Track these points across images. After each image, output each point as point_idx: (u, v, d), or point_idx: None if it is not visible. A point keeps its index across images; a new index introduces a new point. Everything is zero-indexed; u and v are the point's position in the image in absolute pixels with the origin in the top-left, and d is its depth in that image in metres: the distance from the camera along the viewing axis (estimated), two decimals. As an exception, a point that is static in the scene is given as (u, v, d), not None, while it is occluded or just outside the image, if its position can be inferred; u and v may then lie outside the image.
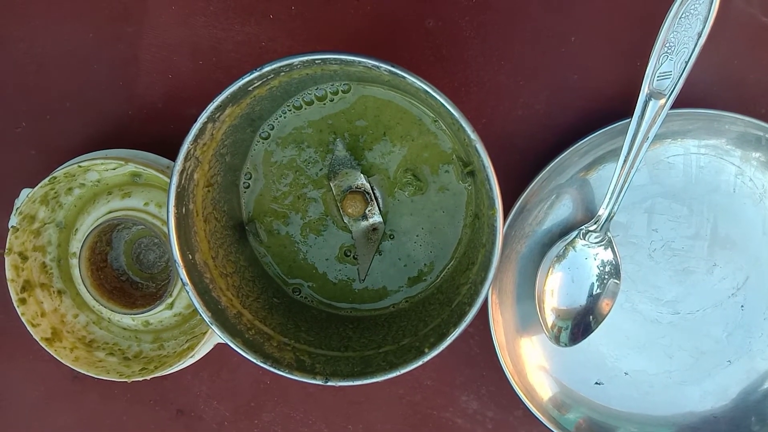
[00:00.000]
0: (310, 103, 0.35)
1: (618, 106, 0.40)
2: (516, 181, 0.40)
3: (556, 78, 0.40)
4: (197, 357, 0.41)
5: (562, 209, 0.41)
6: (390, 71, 0.27)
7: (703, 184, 0.40)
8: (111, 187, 0.42)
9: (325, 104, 0.35)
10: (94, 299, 0.41)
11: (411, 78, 0.27)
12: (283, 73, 0.29)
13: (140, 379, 0.41)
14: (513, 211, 0.39)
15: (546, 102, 0.41)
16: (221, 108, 0.29)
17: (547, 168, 0.38)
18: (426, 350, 0.29)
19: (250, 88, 0.29)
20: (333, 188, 0.36)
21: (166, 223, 0.29)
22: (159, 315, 0.43)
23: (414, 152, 0.35)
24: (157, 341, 0.44)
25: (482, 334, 0.43)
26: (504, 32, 0.40)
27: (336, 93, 0.35)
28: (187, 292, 0.29)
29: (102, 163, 0.40)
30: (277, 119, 0.35)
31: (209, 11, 0.42)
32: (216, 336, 0.40)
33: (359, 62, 0.27)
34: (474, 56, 0.41)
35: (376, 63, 0.27)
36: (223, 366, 0.45)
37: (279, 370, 0.30)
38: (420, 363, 0.29)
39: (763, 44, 0.39)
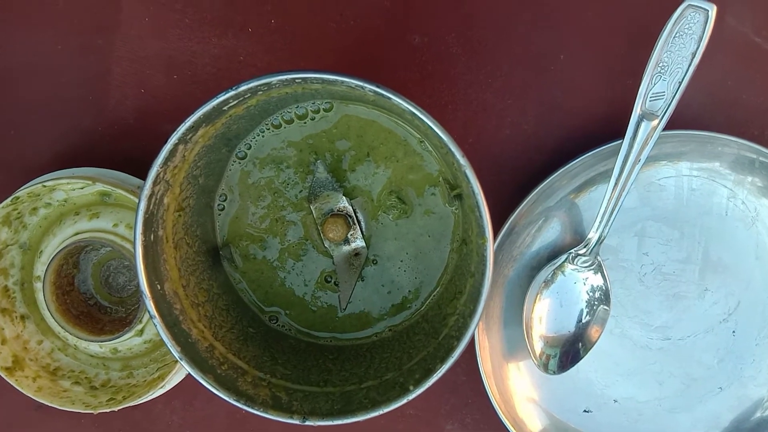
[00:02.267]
0: (290, 122, 0.33)
1: (608, 127, 0.39)
2: (504, 203, 0.39)
3: (544, 97, 0.39)
4: (168, 387, 0.39)
5: (551, 232, 0.39)
6: (375, 92, 0.25)
7: (695, 207, 0.39)
8: (78, 207, 0.40)
9: (305, 123, 0.33)
10: (59, 325, 0.39)
11: (397, 99, 0.25)
12: (261, 92, 0.27)
13: (107, 410, 0.39)
14: (501, 234, 0.37)
15: (534, 121, 0.39)
16: (194, 129, 0.27)
17: (536, 190, 0.37)
18: (411, 387, 0.28)
19: (225, 108, 0.27)
20: (313, 211, 0.34)
21: (134, 250, 0.27)
22: (128, 342, 0.40)
23: (399, 174, 0.34)
24: (126, 369, 0.41)
25: (468, 361, 0.42)
26: (492, 49, 0.39)
27: (317, 112, 0.33)
28: (155, 326, 0.27)
29: (68, 183, 0.38)
30: (254, 138, 0.34)
31: (184, 23, 0.40)
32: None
33: (342, 82, 0.25)
34: (461, 73, 0.39)
35: (361, 83, 0.25)
36: (196, 395, 0.43)
37: (253, 408, 0.28)
38: (405, 401, 0.27)
39: (755, 64, 0.39)
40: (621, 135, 0.36)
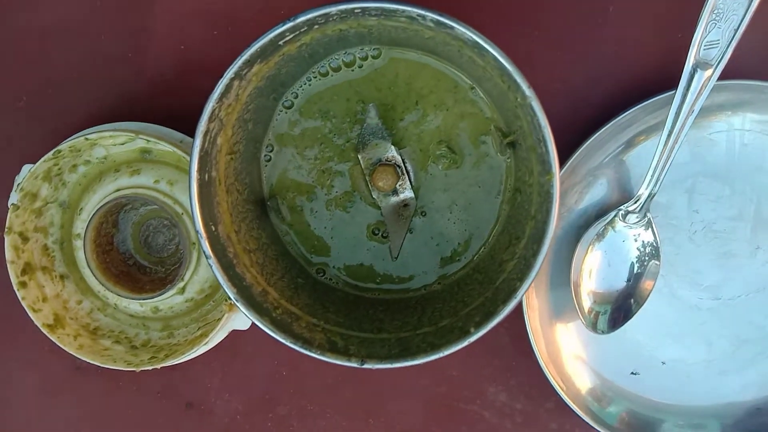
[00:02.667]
0: (337, 69, 0.33)
1: (658, 80, 0.38)
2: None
3: (593, 50, 0.38)
4: (210, 345, 0.39)
5: (599, 189, 0.38)
6: (436, 21, 0.25)
7: (747, 163, 0.38)
8: (119, 164, 0.40)
9: (353, 70, 0.33)
10: (101, 283, 0.39)
11: (460, 28, 0.24)
12: (317, 26, 0.26)
13: (149, 368, 0.38)
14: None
15: (584, 75, 0.38)
16: (249, 64, 0.26)
17: (585, 145, 0.36)
18: (471, 330, 0.27)
19: (280, 43, 0.26)
20: (361, 161, 0.33)
21: (188, 189, 0.26)
22: (169, 300, 0.40)
23: (449, 122, 0.33)
24: (166, 329, 0.41)
25: (512, 322, 0.41)
26: (538, 3, 0.38)
27: (365, 59, 0.33)
28: (210, 266, 0.27)
29: (111, 136, 0.37)
30: (301, 87, 0.33)
31: (226, -18, 0.39)
32: (230, 323, 0.38)
33: (402, 11, 0.25)
34: (507, 26, 0.38)
35: (422, 12, 0.24)
36: (236, 356, 0.43)
37: (311, 351, 0.27)
38: (466, 343, 0.27)
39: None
40: (671, 88, 0.35)
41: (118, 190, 0.39)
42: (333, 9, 0.25)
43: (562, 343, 0.39)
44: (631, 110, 0.36)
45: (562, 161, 0.36)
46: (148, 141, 0.37)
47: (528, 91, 0.25)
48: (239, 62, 0.26)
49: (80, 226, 0.40)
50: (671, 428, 0.39)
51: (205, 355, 0.42)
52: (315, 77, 0.33)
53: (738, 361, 0.40)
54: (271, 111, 0.33)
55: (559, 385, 0.38)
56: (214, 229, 0.28)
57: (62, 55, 0.41)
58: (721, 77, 0.35)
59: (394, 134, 0.33)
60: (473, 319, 0.28)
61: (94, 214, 0.38)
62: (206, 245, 0.27)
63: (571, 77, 0.38)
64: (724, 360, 0.40)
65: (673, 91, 0.35)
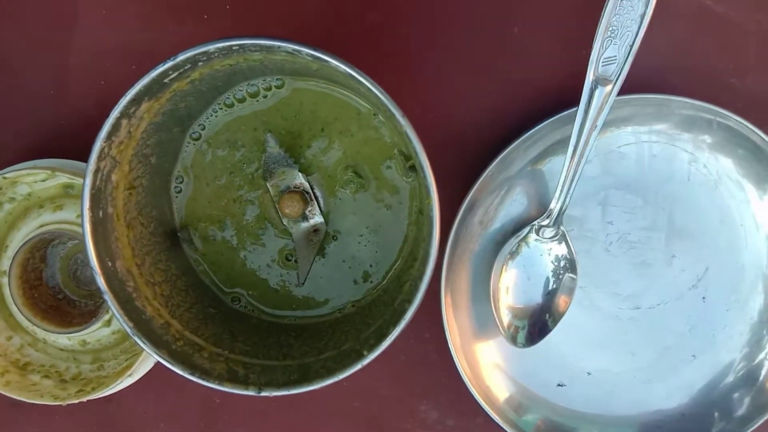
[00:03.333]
0: (242, 101, 0.33)
1: (566, 96, 0.39)
2: (464, 178, 0.39)
3: (501, 70, 0.39)
4: (137, 376, 0.39)
5: (514, 205, 0.39)
6: (312, 56, 0.25)
7: (657, 173, 0.39)
8: (43, 200, 0.40)
9: (258, 101, 0.34)
10: (27, 319, 0.39)
11: (334, 62, 0.25)
12: (201, 63, 0.27)
13: (76, 401, 0.39)
14: (462, 208, 0.37)
15: (492, 95, 0.39)
16: (136, 102, 0.27)
17: (495, 161, 0.37)
18: (365, 353, 0.27)
19: (166, 80, 0.27)
20: (270, 189, 0.34)
21: (82, 227, 0.27)
22: (96, 333, 0.40)
23: (354, 148, 0.34)
24: (96, 362, 0.41)
25: (439, 339, 0.41)
26: (446, 26, 0.39)
27: (269, 89, 0.33)
28: (106, 301, 0.27)
29: (29, 174, 0.38)
30: (207, 118, 0.34)
31: (142, 13, 0.40)
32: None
33: (279, 47, 0.25)
34: (417, 50, 0.39)
35: (297, 47, 0.25)
36: (169, 385, 0.43)
37: (208, 381, 0.28)
38: (359, 366, 0.27)
39: (708, 26, 0.39)
40: (578, 103, 0.36)
41: (42, 225, 0.39)
42: (211, 47, 0.26)
43: (484, 357, 0.40)
44: (537, 126, 0.37)
45: (474, 179, 0.37)
46: (70, 177, 0.38)
47: (402, 120, 0.25)
48: (124, 102, 0.26)
49: (6, 263, 0.40)
50: (586, 438, 0.39)
51: (138, 385, 0.42)
52: (221, 108, 0.34)
53: (661, 369, 0.40)
54: (178, 143, 0.34)
55: (483, 400, 0.38)
56: (110, 264, 0.28)
57: (-17, 93, 0.41)
58: (624, 92, 0.36)
59: (301, 162, 0.34)
60: (368, 342, 0.28)
61: (18, 251, 0.38)
62: (101, 281, 0.27)
63: (480, 97, 0.39)
64: (648, 369, 0.41)
65: (577, 108, 0.36)
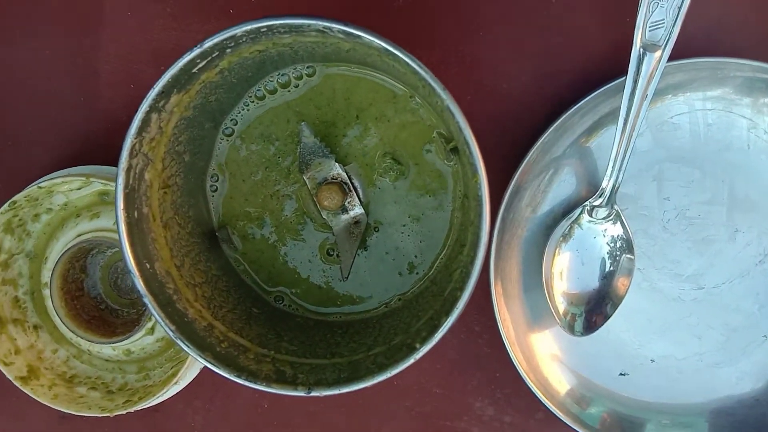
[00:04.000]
0: (273, 92, 0.32)
1: (611, 68, 0.37)
2: (509, 161, 0.37)
3: (540, 44, 0.37)
4: (183, 384, 0.38)
5: (563, 186, 0.37)
6: (344, 32, 0.24)
7: (714, 143, 0.37)
8: (79, 209, 0.40)
9: (289, 91, 0.32)
10: (70, 330, 0.39)
11: (368, 37, 0.24)
12: (229, 50, 0.26)
13: (124, 412, 0.38)
14: (508, 192, 0.35)
15: (532, 72, 0.37)
16: (165, 95, 0.26)
17: (540, 141, 0.35)
18: (417, 346, 0.26)
19: (194, 70, 0.26)
20: (307, 181, 0.33)
21: (117, 228, 0.26)
22: (140, 342, 0.40)
23: (391, 134, 0.32)
24: (142, 371, 0.41)
25: (491, 331, 0.40)
26: (478, 2, 0.37)
27: (300, 78, 0.32)
28: (146, 305, 0.26)
29: (63, 182, 0.37)
30: (239, 113, 0.33)
31: (167, 13, 0.39)
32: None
33: (309, 26, 0.24)
34: (449, 31, 0.38)
35: (328, 24, 0.24)
36: (216, 392, 0.42)
37: (256, 383, 0.26)
38: (412, 361, 0.26)
39: (762, -16, 0.36)
40: (625, 72, 0.34)
41: (79, 235, 0.39)
42: (238, 30, 0.24)
43: (542, 350, 0.38)
44: (584, 99, 0.35)
45: (518, 161, 0.35)
46: (105, 184, 0.37)
47: (443, 94, 0.24)
48: (152, 95, 0.25)
49: (47, 274, 0.40)
50: (655, 428, 0.37)
51: (186, 394, 0.42)
52: (252, 102, 0.33)
53: (730, 352, 0.38)
54: (211, 140, 0.33)
55: (542, 394, 0.36)
56: (149, 266, 0.27)
57: (16, 105, 0.41)
58: (673, 57, 0.33)
59: (337, 151, 0.33)
60: (420, 335, 0.27)
61: (57, 262, 0.38)
62: (140, 283, 0.26)
63: (520, 75, 0.37)
64: (715, 352, 0.38)
65: (625, 77, 0.34)
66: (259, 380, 0.27)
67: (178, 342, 0.26)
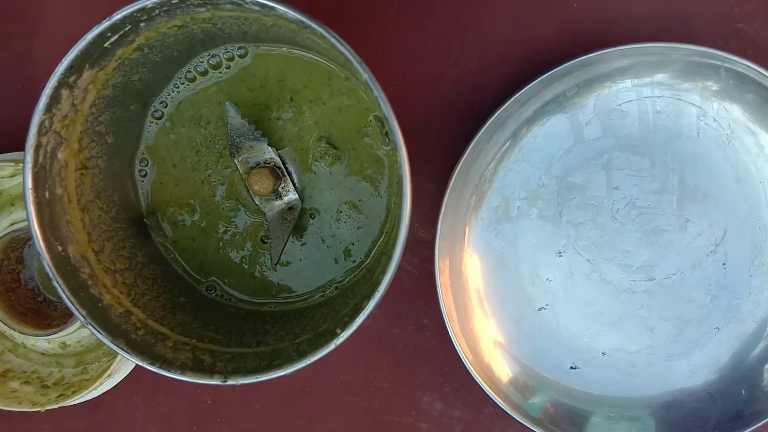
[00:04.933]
0: (204, 74, 0.31)
1: (557, 55, 0.36)
2: (454, 148, 0.36)
3: (486, 32, 0.36)
4: (118, 378, 0.37)
5: (509, 173, 0.36)
6: (256, 2, 0.23)
7: (663, 131, 0.36)
8: (14, 198, 0.38)
9: (221, 72, 0.31)
10: (2, 322, 0.37)
11: (281, 8, 0.23)
12: (143, 24, 0.25)
13: (56, 406, 0.36)
14: (452, 180, 0.34)
15: (478, 59, 0.37)
16: (75, 70, 0.25)
17: (484, 127, 0.34)
18: (338, 332, 0.25)
19: (106, 45, 0.25)
20: (238, 165, 0.31)
21: (25, 209, 0.25)
22: (76, 335, 0.38)
23: (327, 117, 0.31)
24: (80, 365, 0.39)
25: (438, 324, 0.39)
26: (424, -15, 0.36)
27: (231, 59, 0.31)
28: (56, 288, 0.25)
29: (-6, 169, 0.36)
30: (169, 94, 0.31)
31: (106, -3, 0.38)
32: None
33: (218, -5, 0.23)
34: (395, 17, 0.37)
35: (239, -6, 0.23)
36: (158, 388, 0.41)
37: (169, 372, 0.25)
38: (332, 347, 0.25)
39: (711, -31, 0.36)
40: (568, 60, 0.33)
41: (13, 224, 0.38)
42: (149, 2, 0.23)
43: (487, 337, 0.37)
44: (528, 86, 0.34)
45: (465, 146, 0.34)
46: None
47: (359, 67, 0.23)
48: (60, 69, 0.24)
49: (-21, 266, 0.38)
50: (602, 420, 0.36)
51: (126, 389, 0.40)
52: (182, 83, 0.31)
53: (683, 345, 0.37)
54: (139, 123, 0.31)
55: (487, 385, 0.35)
56: (60, 249, 0.26)
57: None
58: (623, 41, 0.33)
59: (271, 134, 0.32)
60: (343, 321, 0.26)
61: (-10, 253, 0.37)
62: (50, 266, 0.25)
63: (466, 62, 0.37)
64: (668, 345, 0.37)
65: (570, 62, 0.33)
66: (174, 368, 0.25)
67: (89, 327, 0.25)
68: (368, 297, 0.25)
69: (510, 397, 0.35)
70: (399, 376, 0.39)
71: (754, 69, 0.33)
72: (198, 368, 0.26)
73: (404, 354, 0.39)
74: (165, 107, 0.32)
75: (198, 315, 0.30)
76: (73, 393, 0.37)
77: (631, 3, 0.35)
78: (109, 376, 0.36)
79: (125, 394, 0.41)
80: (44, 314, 0.39)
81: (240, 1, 0.23)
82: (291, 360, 0.25)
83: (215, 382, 0.25)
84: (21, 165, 0.35)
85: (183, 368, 0.25)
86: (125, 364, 0.36)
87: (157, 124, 0.32)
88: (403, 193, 0.23)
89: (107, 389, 0.37)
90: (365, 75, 0.23)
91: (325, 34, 0.23)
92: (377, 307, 0.24)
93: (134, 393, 0.41)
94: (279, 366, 0.25)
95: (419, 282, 0.38)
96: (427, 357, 0.39)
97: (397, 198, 0.32)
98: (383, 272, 0.24)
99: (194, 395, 0.40)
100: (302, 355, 0.25)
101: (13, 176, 0.37)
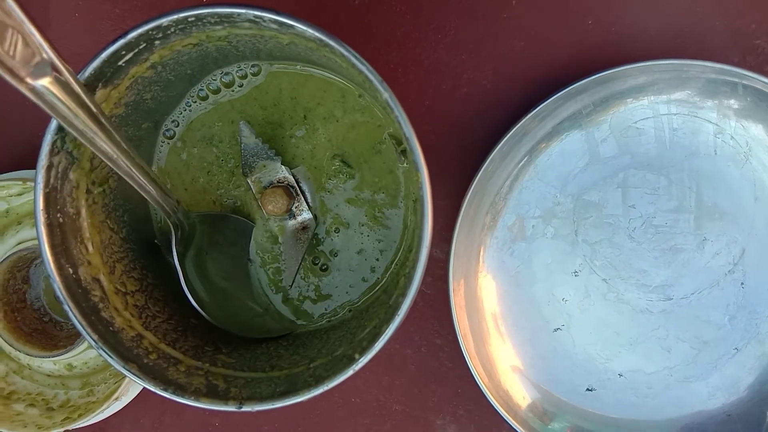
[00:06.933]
0: (216, 92, 0.31)
1: (572, 72, 0.36)
2: (468, 167, 0.36)
3: (500, 48, 0.36)
4: (125, 400, 0.36)
5: (524, 191, 0.36)
6: (276, 21, 0.23)
7: (680, 149, 0.35)
8: (21, 216, 0.38)
9: (233, 90, 0.31)
10: (7, 342, 0.36)
11: (300, 26, 0.22)
12: (158, 42, 0.24)
13: (61, 430, 0.36)
14: (466, 198, 0.34)
15: (492, 76, 0.36)
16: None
17: (499, 145, 0.34)
18: (356, 357, 0.24)
19: (121, 63, 0.24)
20: (251, 185, 0.31)
21: (36, 231, 0.24)
22: (82, 356, 0.38)
23: (340, 134, 0.31)
24: (86, 387, 0.39)
25: (452, 345, 0.38)
26: (437, 3, 0.36)
27: (244, 77, 0.31)
28: (66, 312, 0.24)
29: (2, 187, 0.35)
30: (180, 113, 0.31)
31: (115, 14, 0.38)
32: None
33: (239, 15, 0.23)
34: (408, 32, 0.36)
35: (258, 13, 0.22)
36: (165, 410, 0.40)
37: (183, 398, 0.25)
38: (350, 372, 0.24)
39: (726, -14, 0.35)
40: (584, 77, 0.32)
41: (20, 243, 0.37)
42: (164, 20, 0.23)
43: (504, 361, 0.36)
44: (544, 103, 0.33)
45: (480, 164, 0.34)
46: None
47: (380, 86, 0.22)
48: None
49: (-14, 285, 0.38)
50: (622, 446, 0.35)
51: (133, 411, 0.40)
52: (194, 102, 0.31)
53: (701, 366, 0.36)
54: (151, 142, 0.31)
55: (504, 409, 0.35)
56: (72, 271, 0.25)
57: (-40, 110, 0.39)
58: (639, 59, 0.32)
59: (284, 153, 0.31)
60: (361, 345, 0.25)
61: (-4, 271, 0.36)
62: (60, 289, 0.24)
63: (480, 79, 0.36)
64: (686, 366, 0.37)
65: (586, 79, 0.32)
66: (188, 394, 0.25)
67: (101, 352, 0.24)
68: (387, 321, 0.24)
69: (528, 422, 0.34)
70: (412, 398, 0.39)
71: (772, 86, 0.33)
72: (212, 394, 0.25)
73: (417, 375, 0.38)
74: (176, 126, 0.31)
75: (210, 338, 0.29)
76: (79, 416, 0.36)
77: (647, 20, 0.35)
78: (116, 398, 0.35)
79: (132, 417, 0.40)
80: (50, 335, 0.38)
81: (257, 19, 0.23)
82: (308, 386, 0.24)
83: (230, 408, 0.24)
84: (29, 183, 0.35)
85: (197, 394, 0.25)
86: (133, 386, 0.36)
87: (168, 143, 0.31)
88: (424, 213, 0.23)
89: (114, 412, 0.37)
90: (386, 95, 0.22)
91: (345, 53, 0.22)
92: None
93: (141, 415, 0.40)
94: (296, 392, 0.24)
95: (432, 301, 0.38)
96: (441, 379, 0.38)
97: (413, 215, 0.31)
98: (403, 295, 0.24)
99: (202, 418, 0.40)
100: (319, 380, 0.24)
101: (20, 194, 0.37)
